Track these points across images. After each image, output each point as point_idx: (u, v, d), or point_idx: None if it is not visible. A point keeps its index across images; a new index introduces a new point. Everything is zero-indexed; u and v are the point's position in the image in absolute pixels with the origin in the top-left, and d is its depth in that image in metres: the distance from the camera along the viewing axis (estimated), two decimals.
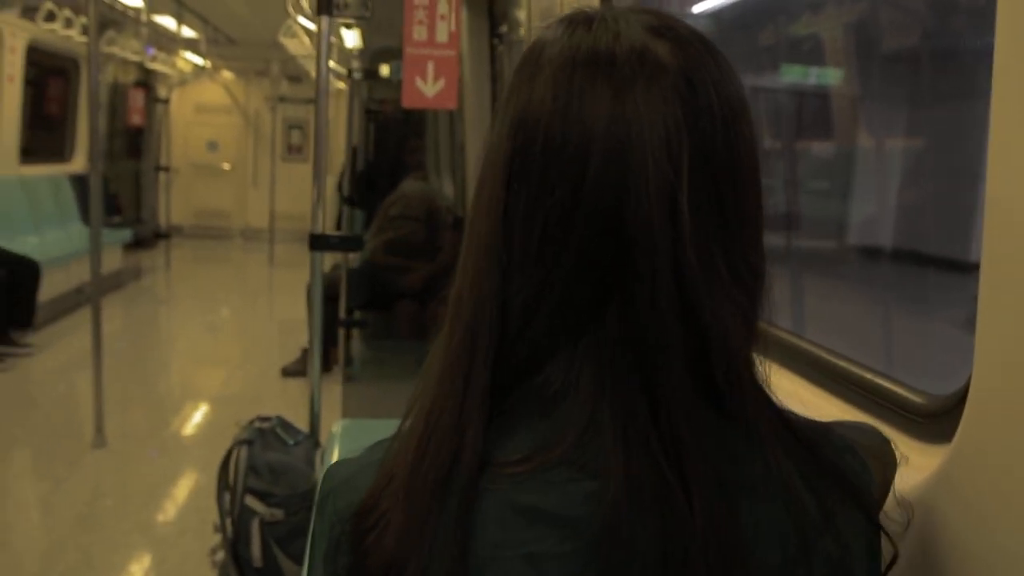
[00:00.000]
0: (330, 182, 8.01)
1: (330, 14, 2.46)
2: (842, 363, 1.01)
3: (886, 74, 2.97)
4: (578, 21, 0.55)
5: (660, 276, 0.50)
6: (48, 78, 7.59)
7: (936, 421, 0.83)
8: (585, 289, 0.51)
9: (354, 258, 4.95)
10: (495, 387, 0.52)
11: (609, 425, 0.49)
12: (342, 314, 4.56)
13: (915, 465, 0.81)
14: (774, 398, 0.56)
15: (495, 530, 0.50)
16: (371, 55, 7.06)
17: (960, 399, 0.76)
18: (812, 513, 0.53)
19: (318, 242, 2.54)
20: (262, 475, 2.34)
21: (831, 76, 3.45)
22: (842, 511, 0.54)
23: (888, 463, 0.63)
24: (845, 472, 0.55)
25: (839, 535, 0.53)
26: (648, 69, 0.51)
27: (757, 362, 0.56)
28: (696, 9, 3.55)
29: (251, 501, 2.29)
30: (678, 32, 0.54)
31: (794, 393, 1.07)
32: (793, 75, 3.85)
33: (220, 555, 2.46)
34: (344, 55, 6.60)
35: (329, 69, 2.52)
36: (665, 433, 0.49)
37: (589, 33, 0.53)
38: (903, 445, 0.86)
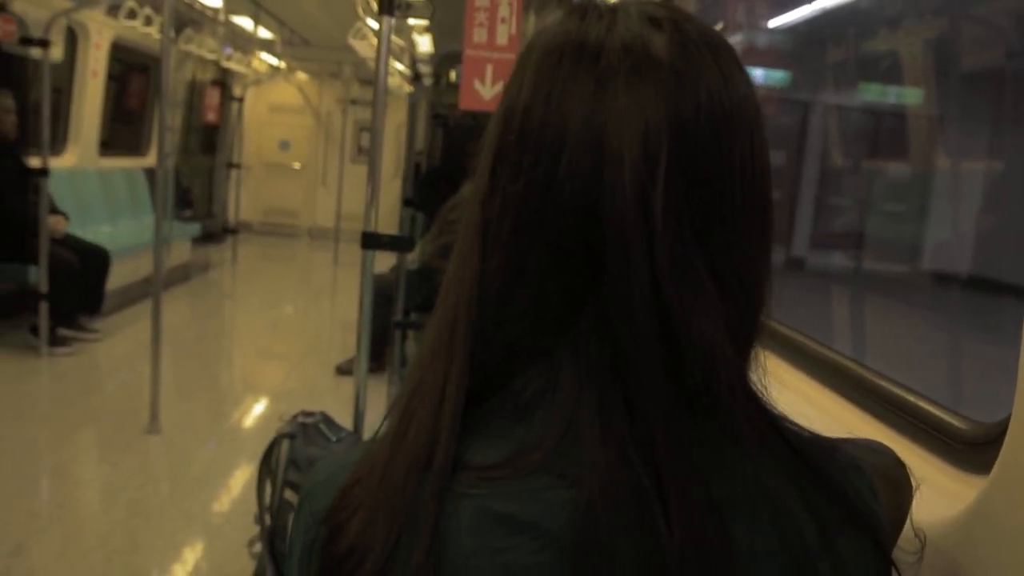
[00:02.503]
0: (395, 185, 8.10)
1: (391, 14, 2.47)
2: (883, 383, 0.95)
3: (967, 94, 2.86)
4: (576, 11, 0.53)
5: (634, 275, 0.47)
6: (130, 74, 7.85)
7: (979, 450, 0.77)
8: (559, 285, 0.50)
9: (413, 259, 4.97)
10: (471, 393, 0.51)
11: (586, 430, 0.47)
12: (398, 316, 4.58)
13: (953, 495, 0.76)
14: (773, 411, 0.52)
15: (470, 539, 0.47)
16: (439, 59, 7.12)
17: (1004, 428, 0.71)
18: (809, 534, 0.49)
19: (370, 240, 2.55)
20: (302, 470, 2.34)
21: (909, 95, 3.34)
22: (844, 535, 0.50)
23: (900, 487, 0.58)
24: (848, 492, 0.51)
25: (840, 560, 0.49)
26: (634, 63, 0.49)
27: (757, 373, 0.53)
28: (772, 24, 3.48)
29: (290, 495, 2.30)
30: (682, 28, 0.51)
31: (832, 411, 1.02)
32: (870, 94, 3.75)
33: (258, 547, 2.47)
34: (413, 60, 6.65)
35: (388, 69, 2.53)
36: (642, 440, 0.47)
37: (582, 23, 0.52)
38: (941, 473, 0.81)
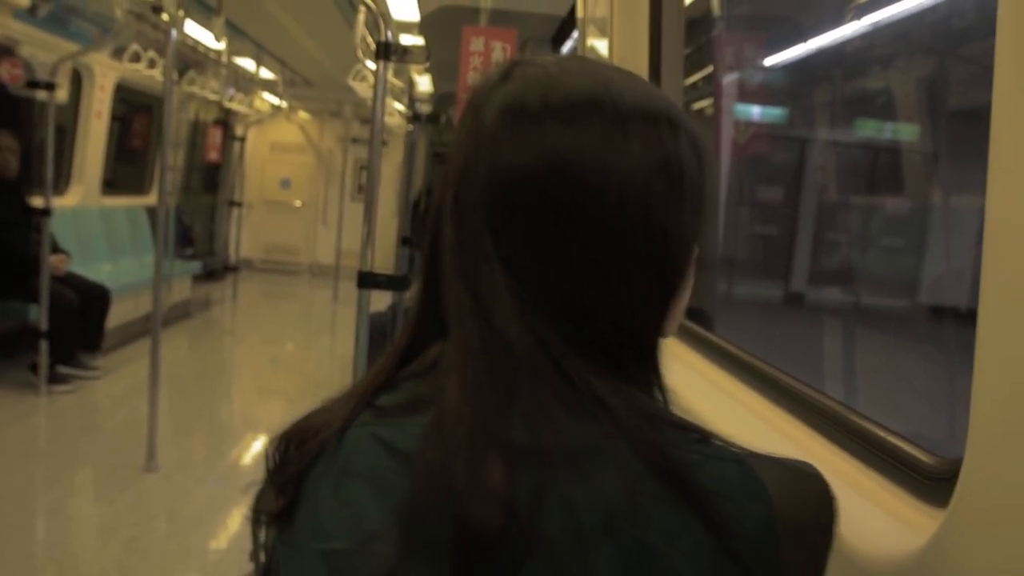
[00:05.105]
0: (394, 224, 8.16)
1: (388, 59, 2.53)
2: (852, 416, 0.98)
3: (960, 130, 2.90)
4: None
5: (449, 267, 0.61)
6: (134, 115, 7.95)
7: (942, 484, 0.79)
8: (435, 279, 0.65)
9: (410, 298, 4.99)
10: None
11: (454, 385, 0.58)
12: None
13: (917, 527, 0.79)
14: (626, 403, 0.57)
15: (365, 456, 0.60)
16: (438, 99, 7.22)
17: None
18: (615, 492, 0.53)
19: (366, 280, 2.59)
20: None
21: (903, 131, 3.38)
22: (665, 504, 0.53)
23: (813, 507, 0.58)
24: (680, 465, 0.54)
25: (654, 528, 0.52)
26: (471, 109, 0.63)
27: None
28: (769, 62, 3.55)
29: None
30: (525, 83, 0.61)
31: (805, 444, 1.05)
32: (866, 130, 3.80)
33: None
34: (412, 99, 6.75)
35: (385, 110, 2.58)
36: (470, 391, 0.57)
37: (484, 78, 0.66)
38: (909, 506, 0.83)
